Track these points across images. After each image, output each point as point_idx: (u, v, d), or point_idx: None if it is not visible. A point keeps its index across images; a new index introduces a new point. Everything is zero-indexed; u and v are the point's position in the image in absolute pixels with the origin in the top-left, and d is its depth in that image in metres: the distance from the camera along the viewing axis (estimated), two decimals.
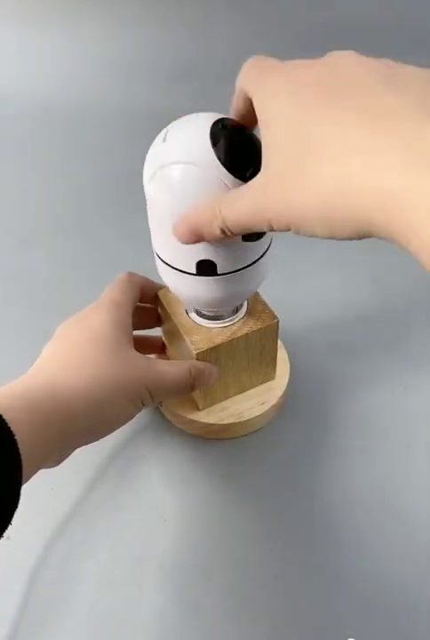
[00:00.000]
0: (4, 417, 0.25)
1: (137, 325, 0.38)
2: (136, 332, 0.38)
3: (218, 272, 0.33)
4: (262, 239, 0.33)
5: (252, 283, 0.36)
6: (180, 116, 0.32)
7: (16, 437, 0.25)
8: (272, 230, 0.26)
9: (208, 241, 0.30)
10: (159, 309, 0.42)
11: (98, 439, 0.32)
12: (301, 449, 0.41)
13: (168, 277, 0.35)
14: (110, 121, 0.83)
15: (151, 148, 0.32)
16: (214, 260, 0.32)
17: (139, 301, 0.40)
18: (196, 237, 0.30)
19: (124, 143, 0.79)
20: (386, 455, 0.41)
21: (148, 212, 0.34)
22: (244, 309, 0.40)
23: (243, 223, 0.27)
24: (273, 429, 0.42)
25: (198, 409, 0.41)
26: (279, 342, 0.42)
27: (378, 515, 0.37)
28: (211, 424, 0.41)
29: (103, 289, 0.38)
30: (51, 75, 0.89)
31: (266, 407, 0.41)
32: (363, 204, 0.21)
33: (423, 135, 0.19)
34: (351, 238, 0.23)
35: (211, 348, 0.37)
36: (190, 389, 0.37)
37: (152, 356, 0.45)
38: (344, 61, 0.24)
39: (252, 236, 0.32)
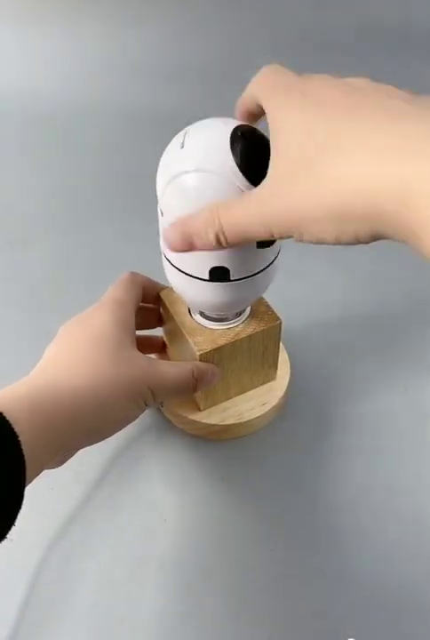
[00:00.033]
0: (8, 418, 0.25)
1: (139, 325, 0.38)
2: (137, 332, 0.38)
3: (231, 278, 0.33)
4: (274, 245, 0.33)
5: (262, 287, 0.36)
6: (191, 120, 0.31)
7: (19, 439, 0.25)
8: (271, 237, 0.26)
9: (200, 250, 0.29)
10: (161, 310, 0.42)
11: (101, 440, 0.32)
12: (302, 450, 0.41)
13: (177, 282, 0.35)
14: (110, 121, 0.83)
15: (166, 151, 0.32)
16: (228, 267, 0.32)
17: (142, 301, 0.40)
18: (189, 246, 0.29)
19: (124, 143, 0.79)
20: (386, 455, 0.41)
21: (160, 217, 0.33)
22: (248, 311, 0.40)
23: (241, 229, 0.27)
24: (273, 430, 0.42)
25: (199, 409, 0.41)
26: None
27: (378, 515, 0.38)
28: (212, 425, 0.41)
29: (103, 289, 0.38)
30: (51, 75, 0.89)
31: (267, 408, 0.41)
32: (374, 196, 0.21)
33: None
34: (357, 239, 0.23)
35: (214, 350, 0.37)
36: (192, 390, 0.37)
37: (153, 355, 0.45)
38: (359, 84, 0.25)
39: (265, 243, 0.32)
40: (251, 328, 0.38)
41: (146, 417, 0.43)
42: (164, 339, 0.45)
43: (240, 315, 0.39)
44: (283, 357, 0.44)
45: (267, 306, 0.40)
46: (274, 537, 0.37)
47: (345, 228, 0.23)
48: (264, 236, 0.26)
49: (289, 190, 0.24)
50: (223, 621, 0.33)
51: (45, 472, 0.29)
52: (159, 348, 0.45)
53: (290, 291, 0.50)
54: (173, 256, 0.34)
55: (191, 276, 0.33)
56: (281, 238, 0.26)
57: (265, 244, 0.32)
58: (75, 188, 0.72)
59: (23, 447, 0.25)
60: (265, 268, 0.34)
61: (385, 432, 0.42)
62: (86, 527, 0.37)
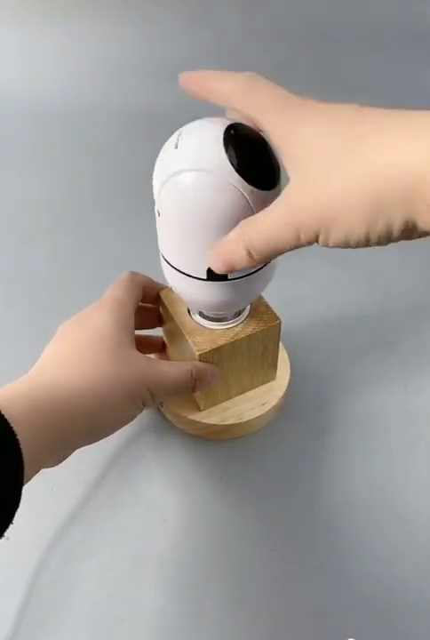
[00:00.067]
0: (6, 416, 0.25)
1: (138, 325, 0.38)
2: (137, 332, 0.38)
3: (229, 277, 0.33)
4: None
5: (260, 286, 0.36)
6: (190, 120, 0.31)
7: (18, 437, 0.25)
8: (298, 242, 0.26)
9: (240, 269, 0.30)
10: (161, 309, 0.42)
11: (99, 439, 0.32)
12: (301, 449, 0.41)
13: (175, 281, 0.35)
14: (110, 121, 0.83)
15: (162, 152, 0.32)
16: None
17: (141, 301, 0.40)
18: (231, 268, 0.30)
19: (124, 143, 0.79)
20: (386, 455, 0.41)
21: (157, 217, 0.33)
22: (247, 311, 0.40)
23: (269, 237, 0.27)
24: (273, 430, 0.42)
25: (199, 409, 0.41)
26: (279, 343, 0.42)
27: (378, 515, 0.38)
28: (212, 425, 0.41)
29: (103, 289, 0.38)
30: (51, 75, 0.89)
31: (267, 408, 0.41)
32: (413, 170, 0.21)
33: None
34: (388, 233, 0.23)
35: (213, 350, 0.37)
36: (191, 390, 0.37)
37: (152, 355, 0.45)
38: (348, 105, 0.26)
39: None
40: (251, 328, 0.38)
41: (145, 417, 0.43)
42: (164, 339, 0.45)
43: (239, 314, 0.39)
44: (283, 357, 0.44)
45: (267, 306, 0.40)
46: (273, 536, 0.37)
47: (378, 218, 0.22)
48: (292, 241, 0.26)
49: (317, 186, 0.24)
50: (223, 621, 0.33)
51: (45, 472, 0.29)
52: (159, 348, 0.45)
53: (290, 291, 0.50)
54: (171, 255, 0.34)
55: (189, 275, 0.33)
56: (308, 244, 0.26)
57: None
58: (75, 188, 0.72)
59: (21, 445, 0.25)
60: (262, 268, 0.34)
61: (384, 432, 0.42)
62: (86, 527, 0.37)
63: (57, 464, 0.32)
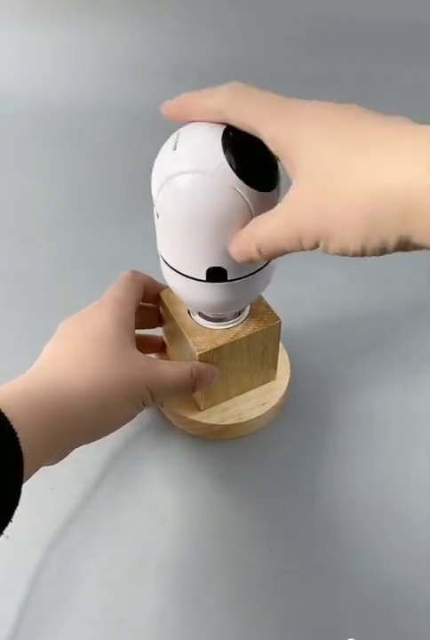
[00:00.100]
0: (6, 414, 0.25)
1: (139, 325, 0.38)
2: (137, 332, 0.38)
3: (228, 278, 0.33)
4: None
5: (259, 287, 0.36)
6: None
7: (18, 435, 0.25)
8: (301, 247, 0.26)
9: (257, 262, 0.31)
10: (161, 309, 0.42)
11: (99, 438, 0.32)
12: (301, 449, 0.42)
13: (174, 282, 0.35)
14: (111, 121, 0.83)
15: (160, 153, 0.32)
16: (225, 267, 0.32)
17: (142, 300, 0.40)
18: (247, 260, 0.30)
19: (125, 143, 0.79)
20: (386, 455, 0.41)
21: (156, 218, 0.33)
22: (247, 311, 0.40)
23: (275, 239, 0.27)
24: (273, 430, 0.42)
25: (199, 409, 0.41)
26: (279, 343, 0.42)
27: (378, 515, 0.38)
28: (212, 425, 0.41)
29: (103, 288, 0.38)
30: (51, 75, 0.89)
31: (267, 408, 0.41)
32: (410, 190, 0.21)
33: None
34: (382, 246, 0.23)
35: (213, 350, 0.37)
36: (191, 390, 0.37)
37: (152, 355, 0.45)
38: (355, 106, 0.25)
39: None
40: (251, 328, 0.38)
41: (145, 417, 0.43)
42: (164, 339, 0.45)
43: (239, 315, 0.39)
44: (283, 357, 0.44)
45: (267, 306, 0.40)
46: (273, 536, 0.37)
47: (373, 233, 0.23)
48: (295, 245, 0.26)
49: (317, 197, 0.24)
50: (223, 621, 0.33)
51: (45, 471, 0.29)
52: (159, 347, 0.45)
53: (290, 291, 0.50)
54: (170, 257, 0.34)
55: (188, 276, 0.33)
56: (310, 248, 0.26)
57: None
58: (75, 188, 0.72)
59: (21, 444, 0.25)
60: (261, 268, 0.34)
61: (384, 432, 0.42)
62: (86, 527, 0.37)
63: (56, 462, 0.32)
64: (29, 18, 0.90)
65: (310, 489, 0.39)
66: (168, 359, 0.45)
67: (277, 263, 0.36)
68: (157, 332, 0.45)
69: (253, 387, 0.43)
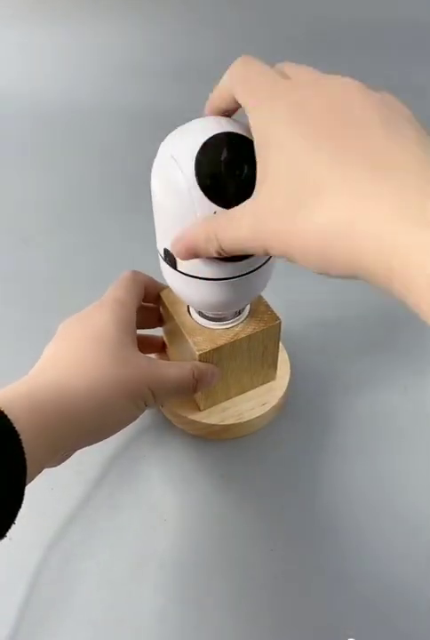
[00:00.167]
0: (9, 417, 0.25)
1: (139, 325, 0.38)
2: (137, 332, 0.38)
3: (179, 269, 0.33)
4: None
5: (259, 285, 0.36)
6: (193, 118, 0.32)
7: (21, 437, 0.25)
8: (268, 255, 0.26)
9: (203, 257, 0.30)
10: (161, 309, 0.42)
11: (101, 440, 0.32)
12: (301, 449, 0.42)
13: (174, 281, 0.35)
14: (112, 121, 0.83)
15: (158, 155, 0.32)
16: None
17: (143, 300, 0.40)
18: (193, 256, 0.30)
19: (125, 143, 0.79)
20: (386, 455, 0.41)
21: (155, 215, 0.34)
22: (247, 311, 0.40)
23: (239, 247, 0.27)
24: (273, 430, 0.42)
25: (199, 409, 0.41)
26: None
27: (378, 515, 0.38)
28: (212, 425, 0.41)
29: (103, 288, 0.38)
30: (51, 75, 0.89)
31: (267, 408, 0.41)
32: (361, 251, 0.21)
33: (426, 191, 0.20)
34: (342, 277, 0.23)
35: (213, 349, 0.37)
36: (192, 391, 0.37)
37: (152, 355, 0.45)
38: (347, 95, 0.24)
39: None
40: (251, 328, 0.38)
41: (145, 417, 0.43)
42: (164, 339, 0.45)
43: (239, 314, 0.39)
44: (283, 357, 0.45)
45: (267, 306, 0.40)
46: (273, 536, 0.37)
47: (328, 269, 0.23)
48: (261, 254, 0.26)
49: (282, 216, 0.24)
50: (223, 621, 0.33)
51: (45, 472, 0.29)
52: (159, 347, 0.45)
53: (290, 291, 0.50)
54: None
55: (186, 274, 0.33)
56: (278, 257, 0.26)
57: None
58: (75, 188, 0.72)
59: (24, 446, 0.25)
60: (261, 266, 0.34)
61: (384, 432, 0.42)
62: (86, 527, 0.37)
63: (58, 464, 0.32)
64: (30, 18, 0.90)
65: (310, 489, 0.39)
66: (168, 359, 0.45)
67: (277, 262, 0.36)
68: (157, 331, 0.45)
69: (253, 387, 0.43)
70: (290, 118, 0.24)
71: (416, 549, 0.36)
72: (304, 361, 0.46)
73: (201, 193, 0.29)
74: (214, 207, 0.29)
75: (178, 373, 0.35)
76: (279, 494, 0.39)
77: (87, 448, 0.32)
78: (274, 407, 0.42)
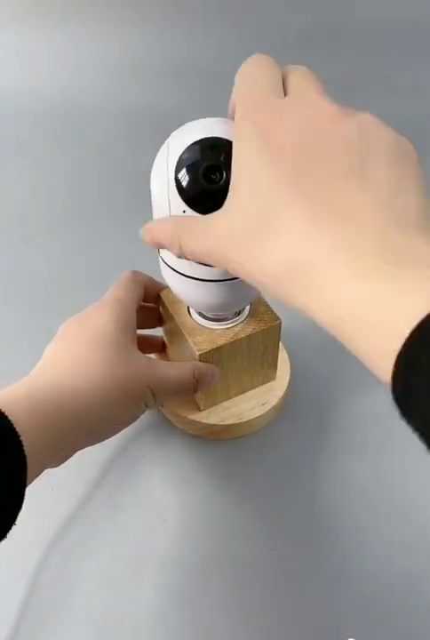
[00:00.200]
0: (9, 417, 0.25)
1: (139, 325, 0.38)
2: (137, 332, 0.38)
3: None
4: None
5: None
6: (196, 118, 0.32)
7: (21, 438, 0.25)
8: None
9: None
10: (161, 309, 0.42)
11: (102, 440, 0.32)
12: (301, 449, 0.42)
13: (173, 281, 0.35)
14: (111, 121, 0.83)
15: (158, 154, 0.33)
16: None
17: (143, 300, 0.40)
18: (157, 246, 0.31)
19: (125, 143, 0.79)
20: (386, 455, 0.41)
21: (154, 213, 0.34)
22: (247, 311, 0.40)
23: (200, 258, 0.27)
24: (273, 430, 0.42)
25: (199, 409, 0.41)
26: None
27: (378, 515, 0.38)
28: (212, 425, 0.41)
29: (103, 288, 0.38)
30: (51, 75, 0.89)
31: (267, 408, 0.41)
32: (312, 297, 0.21)
33: (383, 244, 0.19)
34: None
35: (213, 349, 0.37)
36: (193, 391, 0.37)
37: (152, 355, 0.45)
38: (322, 124, 0.23)
39: None
40: (251, 328, 0.38)
41: (145, 417, 0.43)
42: (164, 339, 0.45)
43: (239, 314, 0.39)
44: (283, 357, 0.45)
45: (267, 306, 0.40)
46: (273, 536, 0.37)
47: (281, 302, 0.23)
48: (221, 268, 0.26)
49: (238, 245, 0.24)
50: (223, 621, 0.33)
51: (45, 472, 0.29)
52: (159, 347, 0.45)
53: None
54: (169, 256, 0.34)
55: (186, 275, 0.33)
56: None
57: None
58: (75, 188, 0.72)
59: (24, 446, 0.25)
60: None
61: (384, 432, 0.42)
62: (86, 527, 0.37)
63: (59, 464, 0.32)
64: (29, 19, 0.90)
65: (310, 489, 0.39)
66: (168, 359, 0.45)
67: None
68: (157, 331, 0.45)
69: (253, 387, 0.43)
70: (262, 142, 0.23)
71: (416, 548, 0.36)
72: (304, 361, 0.46)
73: (175, 189, 0.30)
74: (184, 206, 0.30)
75: (178, 373, 0.35)
76: (279, 494, 0.39)
77: (87, 448, 0.32)
78: (274, 407, 0.42)
